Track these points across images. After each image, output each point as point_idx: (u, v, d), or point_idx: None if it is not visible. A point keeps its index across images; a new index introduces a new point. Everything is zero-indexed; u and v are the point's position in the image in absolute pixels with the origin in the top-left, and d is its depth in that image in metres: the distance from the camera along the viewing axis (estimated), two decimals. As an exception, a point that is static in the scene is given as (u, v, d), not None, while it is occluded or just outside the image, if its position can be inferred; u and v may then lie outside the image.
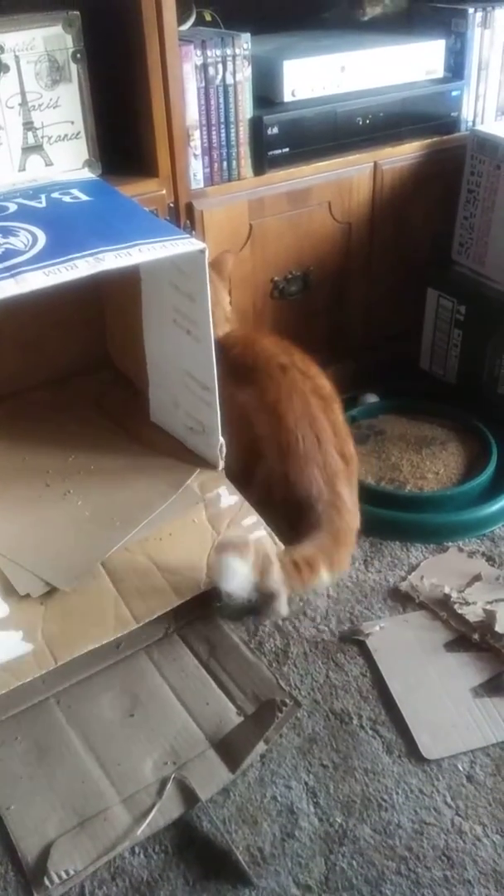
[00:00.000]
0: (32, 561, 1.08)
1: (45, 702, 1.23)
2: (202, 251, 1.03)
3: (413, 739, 1.16)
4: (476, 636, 1.29)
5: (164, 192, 1.39)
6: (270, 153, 1.49)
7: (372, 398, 1.84)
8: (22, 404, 1.38)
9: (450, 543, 1.50)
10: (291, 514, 1.22)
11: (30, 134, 1.32)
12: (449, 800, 1.09)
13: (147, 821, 1.06)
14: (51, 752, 1.17)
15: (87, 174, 1.31)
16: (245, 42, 1.42)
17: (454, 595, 1.36)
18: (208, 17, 1.60)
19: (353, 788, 1.11)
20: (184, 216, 1.44)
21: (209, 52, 1.39)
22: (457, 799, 1.09)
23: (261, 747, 1.16)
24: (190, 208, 1.44)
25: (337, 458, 1.27)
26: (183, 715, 1.21)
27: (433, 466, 1.63)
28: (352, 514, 1.29)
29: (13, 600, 1.05)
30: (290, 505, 1.22)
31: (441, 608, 1.35)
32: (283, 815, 1.08)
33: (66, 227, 1.05)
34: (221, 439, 1.20)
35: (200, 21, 1.58)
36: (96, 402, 1.39)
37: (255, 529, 1.14)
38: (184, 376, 1.20)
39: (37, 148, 1.33)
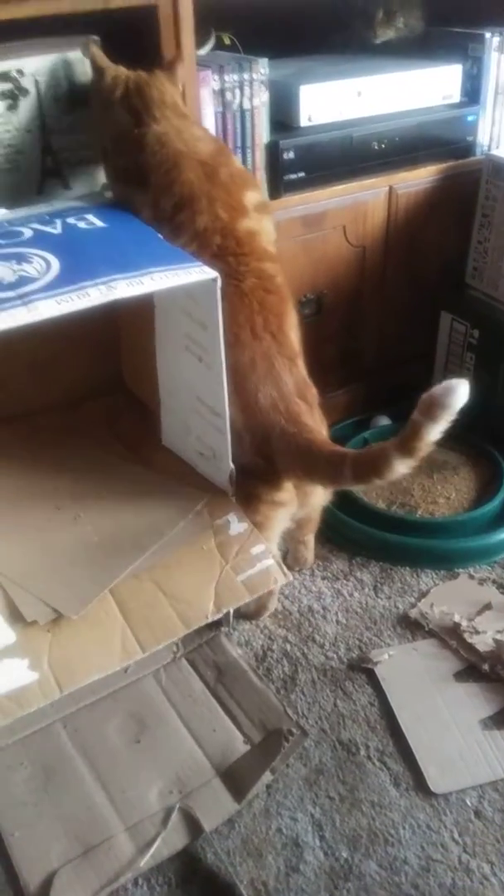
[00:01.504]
0: (40, 586, 1.08)
1: (52, 726, 1.22)
2: (214, 280, 1.03)
3: (421, 772, 1.15)
4: (486, 666, 1.28)
5: (179, 215, 1.40)
6: (286, 177, 1.49)
7: (384, 421, 1.83)
8: (33, 426, 1.38)
9: (460, 570, 1.49)
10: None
11: (48, 158, 1.33)
12: (456, 836, 1.08)
13: (151, 851, 1.06)
14: (56, 778, 1.16)
15: (104, 198, 1.31)
16: (262, 67, 1.42)
17: (464, 623, 1.35)
18: (227, 41, 1.60)
19: (359, 822, 1.10)
20: (199, 239, 1.44)
21: (227, 77, 1.39)
22: (464, 835, 1.08)
23: (267, 777, 1.15)
24: (205, 231, 1.44)
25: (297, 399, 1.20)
26: (189, 742, 1.20)
27: (444, 491, 1.62)
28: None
29: (19, 626, 1.04)
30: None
31: (451, 637, 1.34)
32: (289, 849, 1.07)
33: (79, 254, 1.05)
34: (231, 466, 1.19)
35: (219, 45, 1.59)
36: (108, 425, 1.39)
37: (264, 558, 1.13)
38: (195, 402, 1.19)
39: (55, 172, 1.34)
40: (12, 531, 1.17)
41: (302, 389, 1.20)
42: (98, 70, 1.26)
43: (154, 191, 1.21)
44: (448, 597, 1.42)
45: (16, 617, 1.06)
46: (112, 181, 1.33)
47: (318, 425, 1.20)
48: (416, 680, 1.28)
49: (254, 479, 1.20)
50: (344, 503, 1.53)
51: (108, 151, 1.31)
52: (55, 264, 1.02)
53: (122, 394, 1.48)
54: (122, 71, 1.26)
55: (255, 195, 1.27)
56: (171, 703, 1.26)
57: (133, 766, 1.17)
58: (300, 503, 1.24)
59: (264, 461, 1.18)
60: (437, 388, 1.02)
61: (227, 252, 1.18)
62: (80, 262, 1.03)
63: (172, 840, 1.08)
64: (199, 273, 1.02)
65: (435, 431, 1.03)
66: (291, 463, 1.16)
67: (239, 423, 1.16)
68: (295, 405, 1.17)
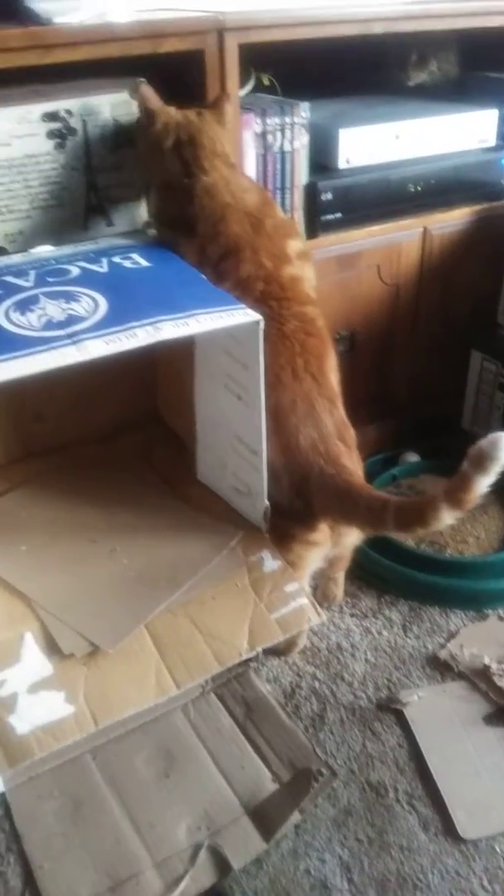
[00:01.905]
0: (77, 619, 1.09)
1: (82, 757, 1.23)
2: (257, 322, 1.04)
3: (450, 817, 1.14)
4: (516, 711, 1.28)
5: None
6: (323, 218, 1.52)
7: (413, 457, 1.84)
8: (72, 457, 1.40)
9: (489, 611, 1.49)
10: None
11: (93, 195, 1.36)
12: (486, 883, 1.07)
13: (179, 889, 1.06)
14: (85, 810, 1.17)
15: (147, 237, 1.34)
16: (303, 111, 1.45)
17: (494, 666, 1.35)
18: (266, 82, 1.63)
19: (388, 866, 1.09)
20: (237, 277, 1.47)
21: (269, 121, 1.42)
22: (493, 882, 1.07)
23: (295, 817, 1.15)
24: (243, 269, 1.47)
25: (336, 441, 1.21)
26: (218, 779, 1.20)
27: (474, 530, 1.63)
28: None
29: (56, 659, 1.05)
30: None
31: (480, 679, 1.34)
32: (317, 891, 1.07)
33: (126, 294, 1.07)
34: (267, 503, 1.20)
35: (258, 85, 1.62)
36: (144, 458, 1.41)
37: (297, 597, 1.14)
38: (233, 439, 1.21)
39: (99, 209, 1.37)
40: (50, 563, 1.19)
41: (341, 431, 1.21)
42: (148, 113, 1.28)
43: (200, 239, 1.23)
44: (477, 638, 1.42)
45: (52, 649, 1.07)
46: (157, 223, 1.35)
47: (356, 467, 1.21)
48: (445, 722, 1.27)
49: (289, 519, 1.21)
50: (373, 540, 1.53)
51: (153, 193, 1.34)
52: (103, 304, 1.04)
53: (158, 426, 1.49)
54: (172, 116, 1.28)
55: (298, 243, 1.30)
56: (200, 738, 1.26)
57: (162, 801, 1.17)
58: (334, 543, 1.25)
59: (301, 501, 1.19)
60: (485, 441, 1.03)
61: (271, 297, 1.21)
62: (126, 302, 1.05)
63: (200, 878, 1.08)
64: (243, 316, 1.04)
65: (484, 483, 1.04)
66: (329, 505, 1.17)
67: (278, 462, 1.17)
68: (335, 446, 1.18)
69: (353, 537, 1.29)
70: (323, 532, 1.21)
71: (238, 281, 1.21)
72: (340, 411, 1.23)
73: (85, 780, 1.21)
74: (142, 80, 1.33)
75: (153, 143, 1.28)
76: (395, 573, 1.53)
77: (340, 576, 1.47)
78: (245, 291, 1.19)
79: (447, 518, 1.08)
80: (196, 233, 1.24)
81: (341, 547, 1.30)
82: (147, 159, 1.31)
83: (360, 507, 1.14)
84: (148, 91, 1.28)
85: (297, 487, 1.18)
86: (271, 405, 1.13)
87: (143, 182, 1.37)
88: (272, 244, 1.24)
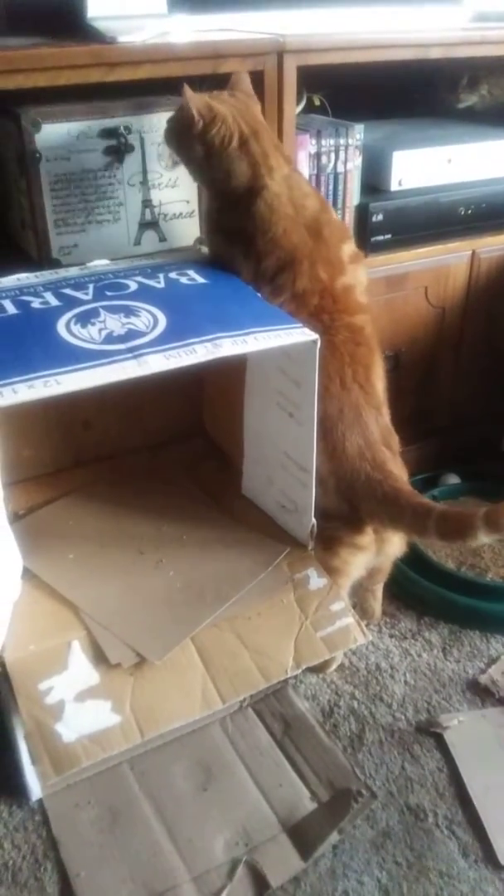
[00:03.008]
0: (124, 630, 1.10)
1: (119, 766, 1.23)
2: (315, 341, 1.05)
3: (490, 844, 1.13)
4: None
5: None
6: (374, 238, 1.53)
7: (453, 479, 1.83)
8: (119, 468, 1.41)
9: (530, 637, 1.48)
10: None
11: (147, 211, 1.38)
12: (526, 913, 1.06)
13: (218, 904, 1.06)
14: (123, 820, 1.17)
15: (200, 254, 1.35)
16: (358, 133, 1.46)
17: (534, 693, 1.34)
18: (317, 102, 1.65)
19: (427, 891, 1.09)
20: (287, 294, 1.48)
21: (323, 142, 1.44)
22: (535, 913, 1.06)
23: (334, 837, 1.14)
24: (293, 287, 1.48)
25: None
26: (255, 794, 1.20)
27: (514, 555, 1.62)
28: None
29: (103, 668, 1.06)
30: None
31: (521, 706, 1.33)
32: (355, 913, 1.06)
33: (184, 310, 1.09)
34: (314, 520, 1.21)
35: (310, 105, 1.64)
36: (189, 471, 1.42)
37: (343, 616, 1.14)
38: (281, 456, 1.22)
39: (153, 224, 1.39)
40: (97, 573, 1.20)
41: (387, 437, 1.23)
42: (202, 113, 1.19)
43: (257, 254, 1.23)
44: (518, 664, 1.41)
45: (99, 658, 1.08)
46: (212, 234, 1.33)
47: (402, 473, 1.22)
48: (485, 748, 1.26)
49: (336, 522, 1.22)
50: (413, 561, 1.53)
51: (209, 201, 1.32)
52: (162, 319, 1.05)
53: (203, 439, 1.51)
54: (225, 111, 1.20)
55: (350, 246, 1.29)
56: (238, 754, 1.26)
57: (199, 815, 1.17)
58: (377, 550, 1.25)
59: (348, 506, 1.20)
60: None
61: (324, 311, 1.21)
62: (185, 318, 1.06)
63: (238, 894, 1.08)
64: (301, 335, 1.05)
65: None
66: (376, 509, 1.18)
67: (325, 468, 1.19)
68: (381, 453, 1.20)
69: (395, 546, 1.29)
70: (369, 535, 1.22)
71: (294, 295, 1.21)
72: (386, 418, 1.25)
73: (123, 790, 1.21)
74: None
75: (214, 148, 1.20)
76: (435, 595, 1.52)
77: (379, 588, 1.46)
78: (300, 306, 1.20)
79: (484, 538, 1.09)
80: (253, 247, 1.22)
81: (383, 556, 1.30)
82: (205, 165, 1.23)
83: (407, 512, 1.16)
84: (189, 91, 1.18)
85: (344, 492, 1.20)
86: (319, 414, 1.14)
87: (199, 188, 1.36)
88: (329, 252, 1.24)
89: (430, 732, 1.29)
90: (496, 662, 1.42)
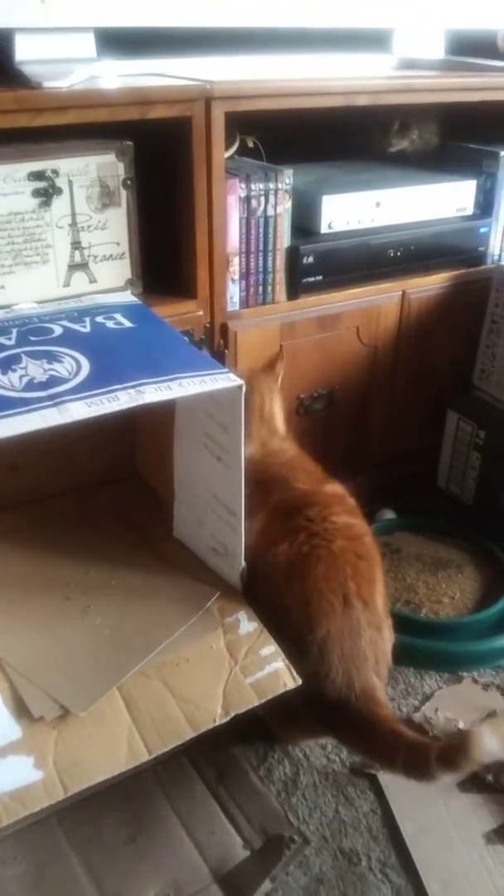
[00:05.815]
0: (48, 681, 1.08)
1: (47, 819, 1.20)
2: (240, 387, 1.05)
3: (423, 887, 1.13)
4: (490, 777, 1.27)
5: (201, 312, 1.45)
6: (304, 280, 1.55)
7: (389, 514, 1.85)
8: (46, 512, 1.39)
9: (464, 673, 1.49)
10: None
11: (76, 252, 1.38)
12: None
13: None
14: (49, 876, 1.14)
15: (130, 297, 1.35)
16: (287, 177, 1.48)
17: (467, 730, 1.34)
18: (251, 144, 1.67)
19: (359, 938, 1.08)
20: (218, 336, 1.49)
21: (253, 186, 1.45)
22: None
23: (266, 885, 1.13)
24: (225, 329, 1.49)
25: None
26: (187, 844, 1.18)
27: (449, 590, 1.63)
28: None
29: (25, 722, 1.03)
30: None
31: (454, 744, 1.33)
32: None
33: (108, 356, 1.08)
34: (244, 563, 1.20)
35: (243, 147, 1.66)
36: (120, 514, 1.41)
37: (273, 661, 1.13)
38: (210, 499, 1.21)
39: (82, 266, 1.39)
40: (21, 621, 1.17)
41: (379, 663, 1.20)
42: None
43: None
44: (452, 702, 1.42)
45: (21, 711, 1.05)
46: None
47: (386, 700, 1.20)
48: (418, 789, 1.25)
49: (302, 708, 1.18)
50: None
51: None
52: (85, 365, 1.05)
53: (134, 481, 1.49)
54: None
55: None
56: (170, 802, 1.24)
57: (129, 868, 1.15)
58: None
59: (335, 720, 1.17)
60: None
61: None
62: (109, 363, 1.06)
63: None
64: (226, 381, 1.05)
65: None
66: (352, 737, 1.18)
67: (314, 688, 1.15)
68: (369, 680, 1.17)
69: None
70: None
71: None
72: (385, 641, 1.22)
73: (50, 844, 1.18)
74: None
75: None
76: (370, 633, 1.52)
77: None
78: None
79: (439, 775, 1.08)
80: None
81: None
82: None
83: (377, 739, 1.13)
84: None
85: (332, 712, 1.16)
86: (321, 634, 1.14)
87: None
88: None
89: (364, 773, 1.29)
90: (430, 699, 1.42)
